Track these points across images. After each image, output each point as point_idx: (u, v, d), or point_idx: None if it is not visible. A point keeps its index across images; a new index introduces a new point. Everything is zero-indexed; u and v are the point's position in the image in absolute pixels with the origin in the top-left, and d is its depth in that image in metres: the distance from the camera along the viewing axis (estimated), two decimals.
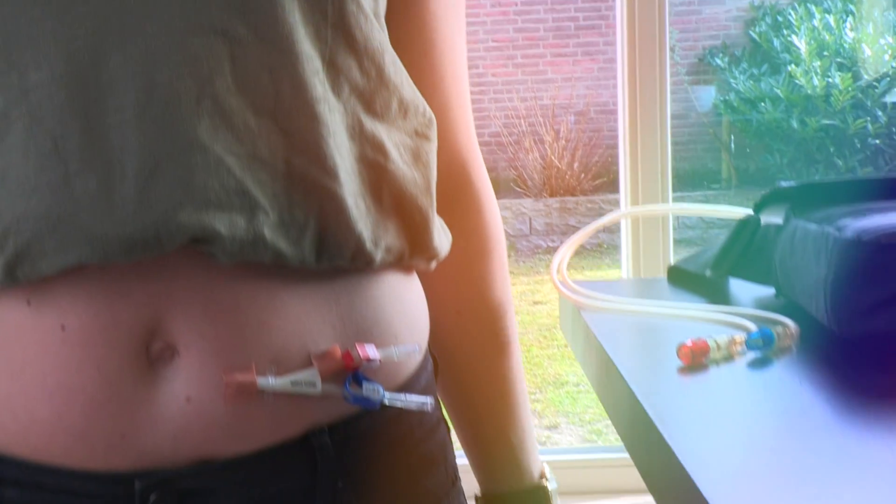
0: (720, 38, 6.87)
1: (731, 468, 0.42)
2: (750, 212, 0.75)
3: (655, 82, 1.50)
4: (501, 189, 6.75)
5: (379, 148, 0.61)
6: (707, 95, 6.86)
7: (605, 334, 0.64)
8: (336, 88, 0.59)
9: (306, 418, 0.59)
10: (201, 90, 0.54)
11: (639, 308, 0.70)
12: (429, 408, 0.64)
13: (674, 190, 1.50)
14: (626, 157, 1.48)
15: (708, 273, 0.74)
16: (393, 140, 0.62)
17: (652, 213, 0.80)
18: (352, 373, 0.59)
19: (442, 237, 0.66)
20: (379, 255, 0.60)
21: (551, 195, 6.59)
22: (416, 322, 0.66)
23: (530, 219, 6.33)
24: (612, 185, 5.70)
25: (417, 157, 0.63)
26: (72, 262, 0.53)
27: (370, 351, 0.59)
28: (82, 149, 0.53)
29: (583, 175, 6.58)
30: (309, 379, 0.57)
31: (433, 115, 0.65)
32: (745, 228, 0.73)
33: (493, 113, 6.90)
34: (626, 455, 1.74)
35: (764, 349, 0.58)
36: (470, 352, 0.75)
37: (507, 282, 0.75)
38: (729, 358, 0.58)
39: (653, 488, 0.49)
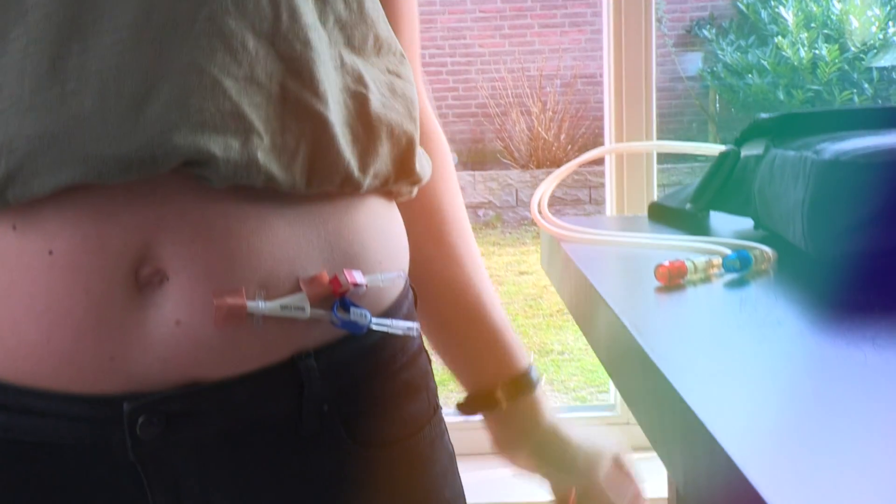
0: (708, 10, 6.86)
1: (705, 372, 0.42)
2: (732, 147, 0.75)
3: (641, 53, 1.49)
4: (488, 160, 6.75)
5: (360, 79, 0.61)
6: (693, 66, 6.85)
7: (583, 261, 0.65)
8: (323, 18, 0.59)
9: (293, 343, 0.59)
10: (199, 11, 0.54)
11: (617, 239, 0.70)
12: (415, 332, 0.65)
13: (659, 161, 1.51)
14: (612, 127, 1.47)
15: (688, 206, 0.74)
16: (370, 74, 0.62)
17: (635, 149, 0.81)
18: (339, 298, 0.59)
19: (424, 163, 0.67)
20: (367, 182, 0.61)
21: (538, 166, 6.59)
22: (399, 249, 0.67)
23: (517, 190, 6.33)
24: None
25: (394, 91, 0.64)
26: (65, 181, 0.52)
27: (357, 276, 0.60)
28: (79, 69, 0.52)
29: (569, 146, 6.58)
30: (297, 303, 0.57)
31: (404, 54, 0.66)
32: (725, 161, 0.73)
33: (479, 84, 6.89)
34: (610, 413, 1.74)
35: (741, 271, 0.59)
36: (446, 261, 0.77)
37: (460, 198, 0.79)
38: (706, 280, 0.59)
39: (629, 398, 0.50)
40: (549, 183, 0.75)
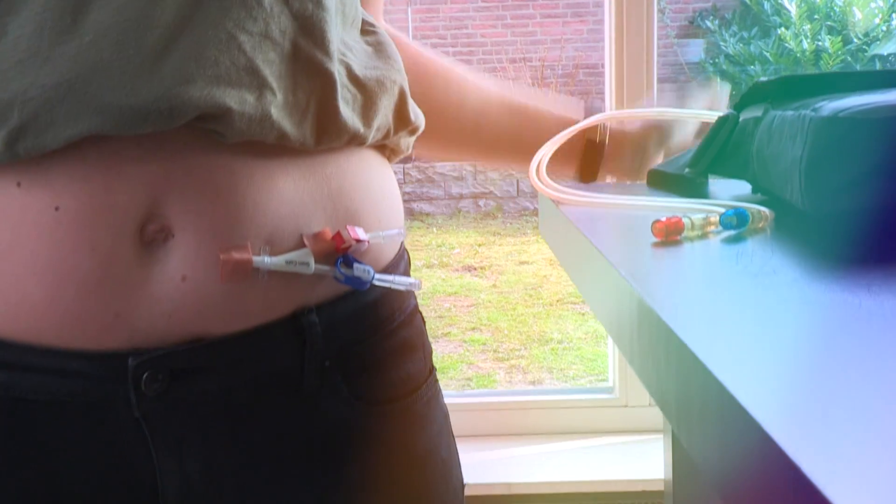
0: (710, 1, 6.85)
1: (702, 314, 0.42)
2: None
3: (643, 43, 1.49)
4: None
5: (347, 45, 0.63)
6: (696, 57, 6.84)
7: (582, 222, 0.65)
8: None
9: (296, 298, 0.60)
10: None
11: (615, 201, 0.70)
12: (417, 288, 0.65)
13: None
14: None
15: (687, 171, 0.74)
16: (347, 44, 0.63)
17: (634, 116, 0.81)
18: (342, 254, 0.60)
19: (417, 112, 0.68)
20: (371, 135, 0.62)
21: None
22: (396, 208, 0.68)
23: (518, 181, 6.33)
24: None
25: (369, 55, 0.65)
26: (80, 132, 0.52)
27: (359, 233, 0.61)
28: (98, 22, 0.52)
29: None
30: (302, 259, 0.58)
31: (379, 30, 0.67)
32: (724, 125, 0.73)
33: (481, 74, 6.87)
34: (608, 396, 1.74)
35: (738, 228, 0.59)
36: (477, 93, 0.88)
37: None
38: (703, 237, 0.59)
39: (624, 347, 0.50)
40: (548, 147, 0.75)
